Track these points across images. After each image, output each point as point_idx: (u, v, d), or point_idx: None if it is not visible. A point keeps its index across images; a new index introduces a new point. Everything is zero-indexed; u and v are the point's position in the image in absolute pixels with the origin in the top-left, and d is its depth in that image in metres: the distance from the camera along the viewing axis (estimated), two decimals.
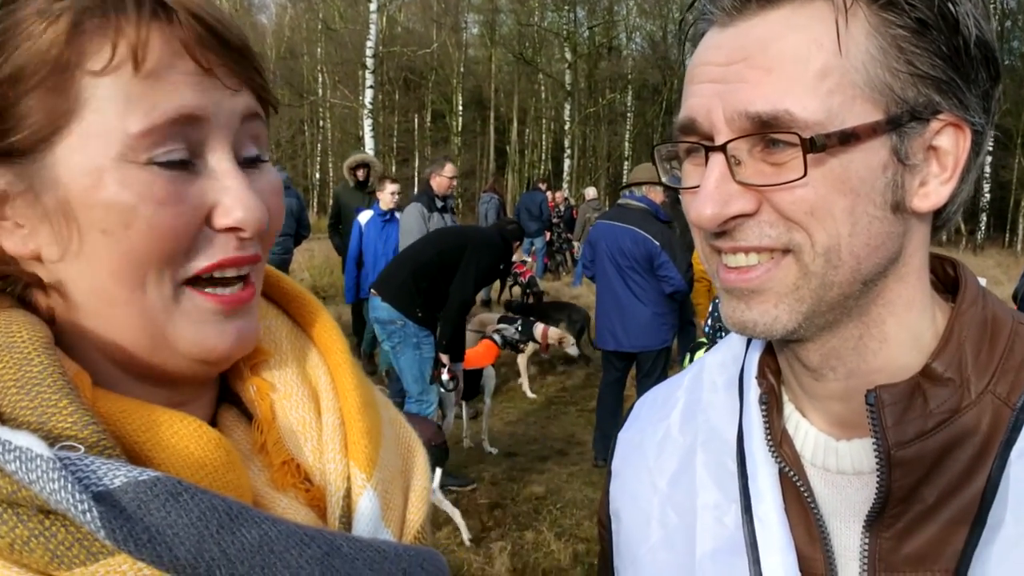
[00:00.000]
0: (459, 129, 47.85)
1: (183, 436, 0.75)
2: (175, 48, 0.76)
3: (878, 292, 0.89)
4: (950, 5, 0.81)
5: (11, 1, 0.75)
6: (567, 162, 41.95)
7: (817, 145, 0.79)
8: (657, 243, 6.77)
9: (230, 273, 0.81)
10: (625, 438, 1.22)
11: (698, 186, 0.87)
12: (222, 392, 0.92)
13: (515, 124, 50.25)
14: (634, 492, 1.15)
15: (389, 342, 6.59)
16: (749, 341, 1.10)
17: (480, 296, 13.57)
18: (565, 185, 40.05)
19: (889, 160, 0.83)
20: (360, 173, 10.80)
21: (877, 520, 0.89)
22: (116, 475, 0.64)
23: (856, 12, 0.82)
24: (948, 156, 0.86)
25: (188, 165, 0.77)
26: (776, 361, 1.02)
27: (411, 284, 6.38)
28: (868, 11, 0.82)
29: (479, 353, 7.79)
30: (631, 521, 1.14)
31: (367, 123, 27.40)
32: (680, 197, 0.94)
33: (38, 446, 0.62)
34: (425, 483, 0.96)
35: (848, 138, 0.80)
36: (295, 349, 0.94)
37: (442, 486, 6.68)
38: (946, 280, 1.00)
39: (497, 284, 11.79)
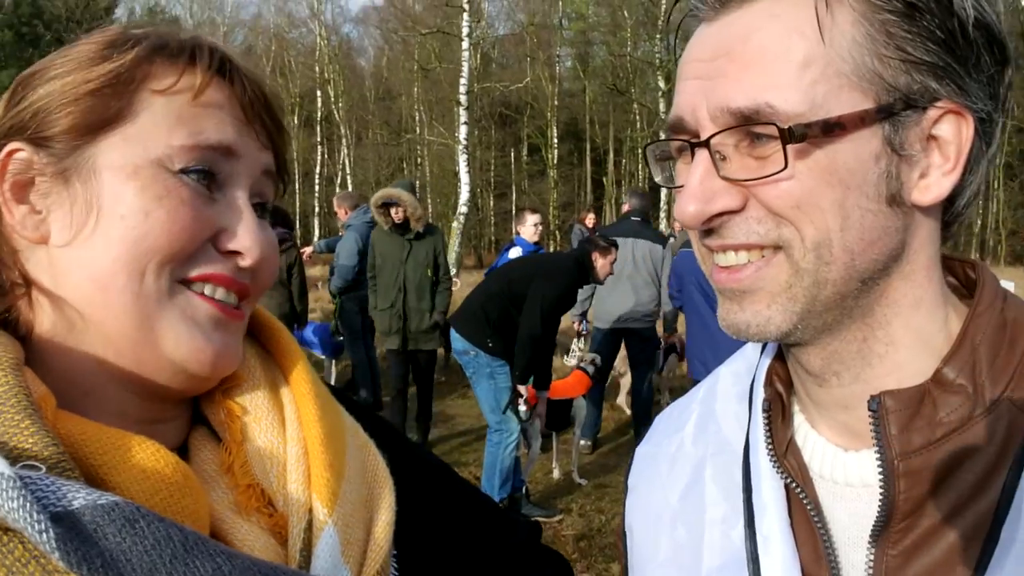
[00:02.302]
0: (555, 162, 48.14)
1: (141, 459, 0.76)
2: (228, 96, 0.88)
3: (881, 291, 0.85)
4: None
5: (95, 31, 0.89)
6: (663, 191, 41.63)
7: (796, 135, 0.77)
8: None
9: (220, 295, 0.87)
10: (642, 452, 1.20)
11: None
12: (193, 414, 0.94)
13: (611, 155, 50.28)
14: (646, 507, 1.12)
15: (467, 372, 6.63)
16: (762, 351, 1.07)
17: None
18: (663, 215, 39.81)
19: (882, 150, 0.80)
20: (396, 214, 8.22)
21: (883, 535, 0.84)
22: (75, 497, 0.65)
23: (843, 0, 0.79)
24: (950, 145, 0.82)
25: (211, 189, 0.86)
26: (786, 369, 0.99)
27: (481, 315, 6.41)
28: None
29: (570, 384, 7.75)
30: (643, 536, 1.12)
31: (463, 159, 27.81)
32: (675, 196, 0.92)
33: None
34: (390, 517, 0.94)
35: (832, 127, 0.78)
36: (267, 376, 0.96)
37: (528, 516, 6.62)
38: (967, 283, 0.95)
39: None
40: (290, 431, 0.91)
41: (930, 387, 0.83)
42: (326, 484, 0.88)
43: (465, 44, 28.19)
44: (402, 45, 47.50)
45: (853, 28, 0.79)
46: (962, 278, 0.95)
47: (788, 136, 0.77)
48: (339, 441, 0.93)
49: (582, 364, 8.12)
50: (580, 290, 7.16)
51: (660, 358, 9.88)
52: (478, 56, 38.16)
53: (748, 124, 0.80)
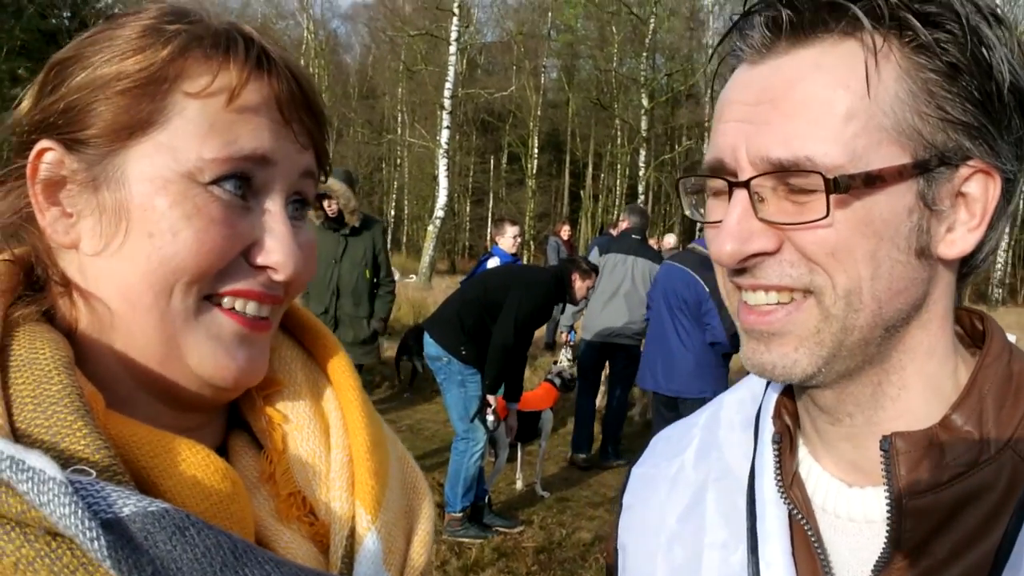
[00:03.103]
0: (534, 172, 48.25)
1: (191, 464, 0.75)
2: (266, 96, 0.83)
3: (900, 339, 0.87)
4: (984, 50, 0.80)
5: (122, 16, 0.83)
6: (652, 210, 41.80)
7: (840, 186, 0.78)
8: (707, 289, 6.67)
9: (251, 309, 0.84)
10: (638, 473, 1.21)
11: (721, 221, 0.86)
12: (233, 418, 0.94)
13: (590, 168, 50.48)
14: (643, 527, 1.13)
15: (437, 378, 6.60)
16: (768, 382, 1.08)
17: (543, 338, 13.53)
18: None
19: (915, 204, 0.82)
20: (329, 207, 7.48)
21: (884, 570, 0.86)
22: (126, 503, 0.64)
23: (887, 54, 0.81)
24: (977, 203, 0.84)
25: (244, 200, 0.82)
26: (793, 402, 1.00)
27: (456, 322, 6.38)
28: (899, 54, 0.81)
29: (538, 396, 7.77)
30: (637, 556, 1.13)
31: (443, 163, 27.82)
32: (705, 231, 0.94)
33: (51, 468, 0.62)
34: (429, 527, 0.96)
35: (873, 180, 0.79)
36: (309, 382, 0.96)
37: (489, 526, 6.63)
38: (973, 333, 0.97)
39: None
40: (334, 438, 0.91)
41: (938, 431, 0.85)
42: (370, 491, 0.88)
43: (452, 48, 28.24)
44: (389, 45, 47.45)
45: (896, 84, 0.80)
46: (968, 328, 0.97)
47: (832, 186, 0.78)
48: (383, 450, 0.94)
49: (550, 376, 8.14)
50: (570, 305, 7.18)
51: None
52: (464, 61, 38.21)
53: (788, 172, 0.81)
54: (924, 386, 0.89)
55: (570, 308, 7.92)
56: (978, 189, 0.83)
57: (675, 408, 7.02)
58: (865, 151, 0.79)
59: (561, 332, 11.00)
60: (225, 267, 0.81)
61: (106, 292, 0.80)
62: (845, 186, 0.78)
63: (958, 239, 0.84)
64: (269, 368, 0.93)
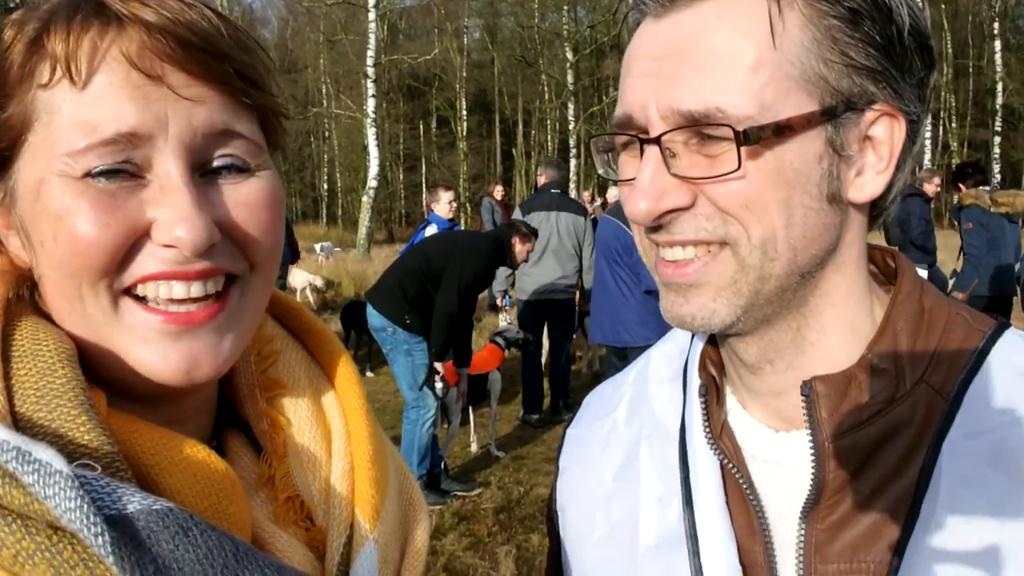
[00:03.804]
0: (464, 134, 47.99)
1: (192, 462, 0.74)
2: (116, 58, 0.72)
3: (816, 283, 0.88)
4: None
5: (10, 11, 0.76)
6: (573, 162, 41.94)
7: (751, 138, 0.79)
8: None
9: (178, 292, 0.75)
10: (573, 434, 1.21)
11: (634, 178, 0.86)
12: (230, 417, 0.90)
13: (520, 127, 50.34)
14: (580, 487, 1.14)
15: (384, 348, 6.59)
16: (693, 335, 1.09)
17: (487, 300, 13.55)
18: (572, 185, 40.04)
19: (825, 151, 0.83)
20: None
21: (812, 511, 0.88)
22: (130, 501, 0.64)
23: (790, 3, 0.81)
24: (883, 146, 0.86)
25: (131, 177, 0.74)
26: (718, 353, 1.02)
27: (399, 291, 6.35)
28: (802, 2, 0.81)
29: (483, 358, 7.79)
30: (576, 516, 1.13)
31: (371, 132, 27.50)
32: (619, 189, 0.94)
33: (57, 461, 0.61)
34: (424, 539, 0.95)
35: (782, 130, 0.80)
36: (312, 386, 0.93)
37: (447, 491, 6.67)
38: (886, 271, 0.99)
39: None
40: (337, 444, 0.89)
41: (856, 372, 0.87)
42: (370, 500, 0.86)
43: (372, 15, 27.82)
44: (307, 16, 46.53)
45: (801, 32, 0.81)
46: (881, 266, 0.99)
47: (743, 138, 0.79)
48: (384, 460, 0.92)
49: (495, 338, 8.17)
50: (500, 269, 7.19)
51: (578, 326, 10.04)
52: (385, 27, 37.62)
53: (699, 125, 0.81)
54: (842, 328, 0.90)
55: (502, 272, 7.91)
56: (884, 132, 0.85)
57: (625, 358, 7.11)
58: (774, 101, 0.79)
59: (496, 297, 11.01)
60: (127, 255, 0.74)
61: (50, 301, 0.78)
62: (755, 137, 0.79)
63: (867, 182, 0.86)
64: (274, 371, 0.92)
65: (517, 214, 8.80)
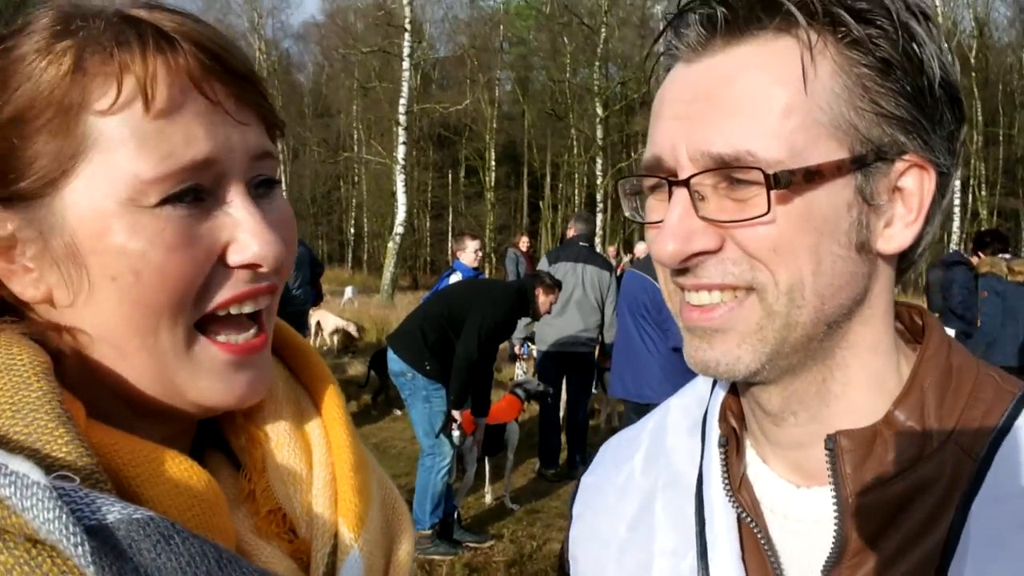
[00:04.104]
0: (492, 184, 48.38)
1: (175, 474, 0.74)
2: (183, 83, 0.73)
3: (842, 335, 0.87)
4: (915, 45, 0.81)
5: (9, 38, 0.74)
6: (599, 217, 42.11)
7: (781, 182, 0.79)
8: None
9: (247, 308, 0.80)
10: (588, 482, 1.20)
11: (662, 221, 0.86)
12: (210, 436, 0.91)
13: (548, 179, 50.67)
14: (593, 536, 1.12)
15: (402, 394, 6.57)
16: (714, 384, 1.08)
17: (508, 351, 13.52)
18: (597, 240, 40.13)
19: (854, 199, 0.82)
20: None
21: (834, 570, 0.86)
22: (110, 510, 0.63)
23: (822, 50, 0.81)
24: (913, 197, 0.85)
25: (199, 204, 0.75)
26: (739, 404, 1.00)
27: (419, 337, 6.36)
28: (834, 50, 0.82)
29: (501, 408, 7.75)
30: (588, 565, 1.12)
31: (400, 179, 27.80)
32: (646, 232, 0.94)
33: (34, 473, 0.61)
34: (409, 547, 0.94)
35: (812, 176, 0.80)
36: (290, 400, 0.93)
37: (459, 542, 6.59)
38: (913, 329, 0.98)
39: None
40: (317, 455, 0.89)
41: (882, 428, 0.86)
42: (354, 509, 0.86)
43: (406, 64, 28.30)
44: (342, 63, 47.37)
45: (832, 80, 0.81)
46: (907, 323, 0.98)
47: (773, 182, 0.78)
48: (366, 469, 0.92)
49: (514, 389, 8.13)
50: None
51: (597, 381, 9.99)
52: (418, 77, 38.20)
53: (729, 168, 0.81)
54: (868, 382, 0.89)
55: (521, 321, 7.91)
56: (914, 183, 0.84)
57: (644, 415, 7.00)
58: (804, 146, 0.80)
59: (514, 344, 10.98)
60: (204, 283, 0.76)
61: (91, 338, 0.76)
62: (786, 182, 0.78)
63: (896, 234, 0.85)
64: None
65: (543, 264, 8.82)
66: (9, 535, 0.61)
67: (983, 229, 11.95)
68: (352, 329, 17.09)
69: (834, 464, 0.85)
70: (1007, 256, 9.17)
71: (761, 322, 0.84)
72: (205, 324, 0.78)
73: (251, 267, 0.78)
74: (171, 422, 0.83)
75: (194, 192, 0.74)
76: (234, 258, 0.77)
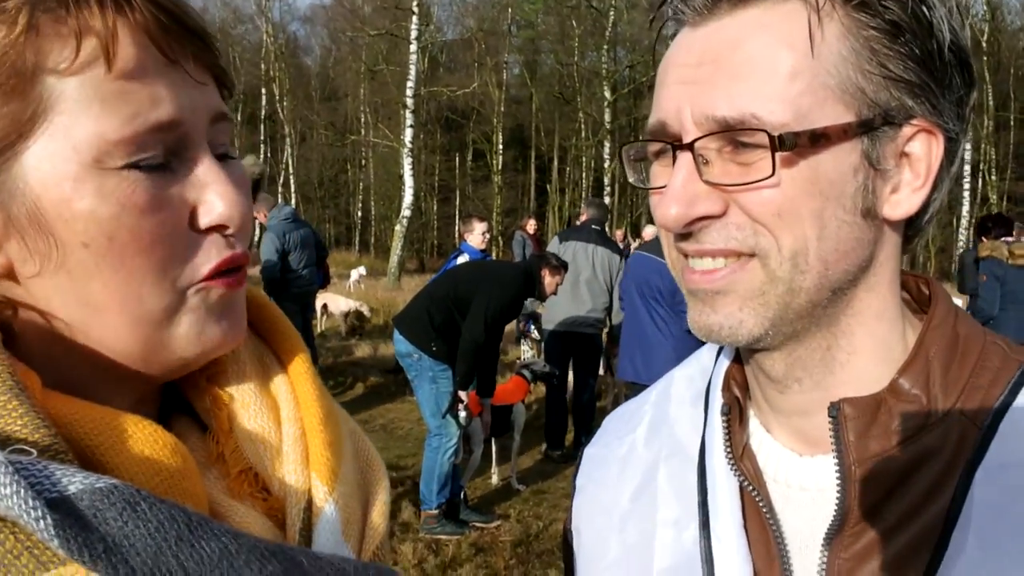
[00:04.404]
0: (500, 168, 48.26)
1: (139, 440, 0.72)
2: (143, 41, 0.71)
3: (847, 301, 0.87)
4: (924, 8, 0.80)
5: None
6: (607, 200, 42.01)
7: (786, 144, 0.78)
8: None
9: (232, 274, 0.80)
10: (591, 453, 1.20)
11: (665, 186, 0.85)
12: (175, 401, 0.89)
13: (555, 163, 50.56)
14: (596, 507, 1.12)
15: (409, 375, 6.59)
16: (718, 355, 1.08)
17: (514, 332, 13.54)
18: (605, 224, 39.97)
19: (860, 164, 0.81)
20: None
21: (836, 539, 0.86)
22: (71, 481, 0.61)
23: (830, 12, 0.80)
24: (921, 163, 0.84)
25: (166, 166, 0.73)
26: (743, 373, 1.00)
27: (426, 318, 6.35)
28: (842, 12, 0.81)
29: (508, 390, 7.76)
30: (591, 537, 1.11)
31: (407, 162, 27.75)
32: (649, 198, 0.93)
33: None
34: (385, 497, 0.93)
35: (818, 138, 0.79)
36: (253, 358, 0.91)
37: (466, 522, 6.63)
38: (919, 298, 0.98)
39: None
40: (285, 412, 0.88)
41: (886, 396, 0.85)
42: (326, 463, 0.86)
43: (413, 47, 28.18)
44: (349, 46, 47.31)
45: (839, 42, 0.80)
46: (914, 292, 0.98)
47: (777, 144, 0.78)
48: (335, 422, 0.91)
49: (521, 370, 8.14)
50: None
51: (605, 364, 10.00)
52: (426, 59, 38.11)
53: (733, 131, 0.80)
54: (873, 350, 0.89)
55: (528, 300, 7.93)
56: (922, 148, 0.84)
57: None
58: (810, 109, 0.79)
59: (520, 322, 10.99)
60: (182, 248, 0.74)
61: (64, 304, 0.74)
62: (791, 144, 0.78)
63: (903, 199, 0.84)
64: None
65: (554, 243, 8.83)
66: None
67: (984, 215, 11.89)
68: (365, 309, 17.13)
69: (837, 432, 0.85)
70: (1009, 240, 9.13)
71: (763, 286, 0.83)
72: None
73: (220, 228, 0.76)
74: (137, 387, 0.81)
75: (160, 158, 0.72)
76: (203, 220, 0.75)
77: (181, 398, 0.89)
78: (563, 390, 9.04)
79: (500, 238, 40.84)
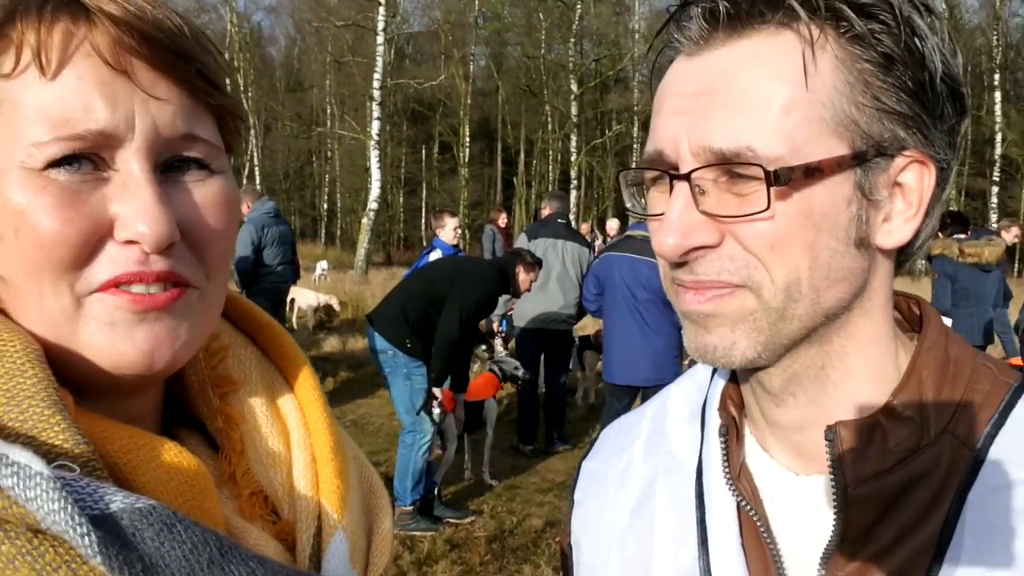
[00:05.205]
0: (466, 160, 48.09)
1: (165, 460, 0.73)
2: (85, 50, 0.72)
3: (841, 324, 0.88)
4: (916, 40, 0.81)
5: None
6: (573, 193, 42.04)
7: (781, 179, 0.79)
8: None
9: (136, 288, 0.74)
10: (588, 467, 1.21)
11: (661, 214, 0.86)
12: (184, 418, 0.90)
13: (522, 155, 50.49)
14: (595, 522, 1.13)
15: (383, 371, 6.57)
16: (714, 372, 1.09)
17: (485, 328, 13.54)
18: (571, 217, 40.01)
19: (853, 195, 0.82)
20: None
21: (833, 558, 0.88)
22: (112, 499, 0.63)
23: (823, 45, 0.81)
24: (913, 193, 0.85)
25: (93, 171, 0.73)
26: (739, 393, 1.02)
27: (400, 315, 6.35)
28: (835, 45, 0.81)
29: (479, 385, 7.76)
30: (591, 551, 1.13)
31: (374, 154, 27.56)
32: (648, 225, 0.94)
33: (37, 463, 0.60)
34: (389, 525, 0.95)
35: (812, 172, 0.80)
36: (265, 381, 0.92)
37: (440, 518, 6.65)
38: (910, 318, 0.99)
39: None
40: (295, 438, 0.89)
41: (881, 418, 0.87)
42: (336, 490, 0.87)
43: (380, 38, 27.96)
44: (315, 36, 46.74)
45: (833, 75, 0.81)
46: (905, 312, 1.00)
47: (773, 179, 0.79)
48: (343, 450, 0.92)
49: (491, 366, 8.16)
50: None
51: (575, 358, 10.04)
52: (392, 51, 37.78)
53: (730, 164, 0.82)
54: (867, 372, 0.90)
55: (501, 299, 7.96)
56: (914, 179, 0.85)
57: (633, 393, 7.10)
58: (805, 143, 0.80)
59: (492, 322, 11.00)
60: (90, 255, 0.73)
61: (8, 298, 0.75)
62: (785, 178, 0.79)
63: (895, 228, 0.86)
64: (224, 367, 0.91)
65: (522, 240, 8.83)
66: (10, 525, 0.61)
67: (948, 210, 11.98)
68: (335, 303, 17.01)
69: (833, 454, 0.86)
70: (961, 237, 9.22)
71: (755, 312, 0.85)
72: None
73: (134, 244, 0.74)
74: (128, 399, 0.81)
75: (86, 160, 0.72)
76: (118, 233, 0.73)
77: (188, 417, 0.90)
78: (535, 386, 9.08)
79: (467, 231, 40.74)
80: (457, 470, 7.87)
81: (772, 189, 0.79)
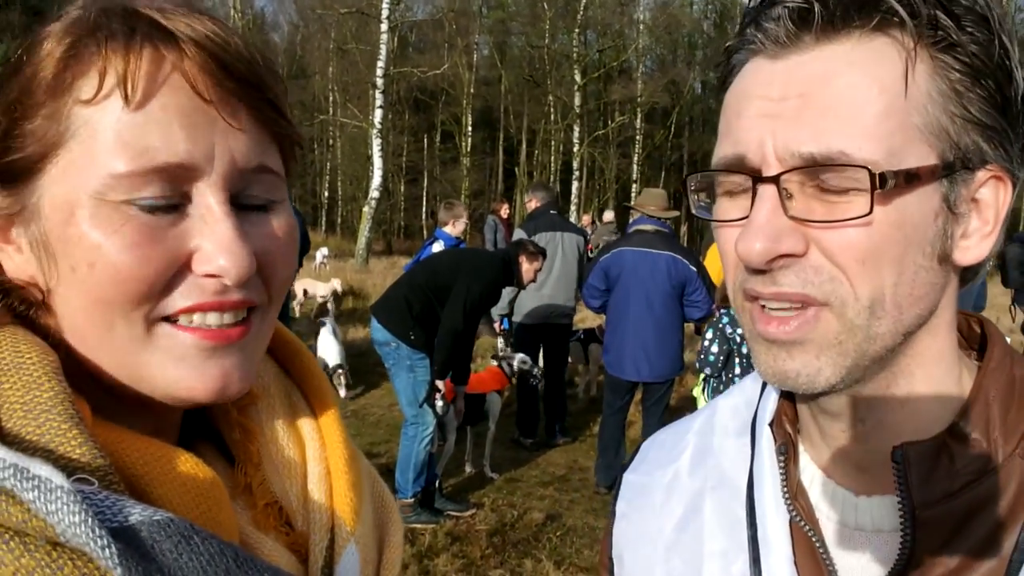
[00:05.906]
0: (468, 150, 48.17)
1: (181, 472, 0.74)
2: (173, 80, 0.72)
3: (910, 344, 0.86)
4: (1005, 54, 0.80)
5: (53, 20, 0.75)
6: (575, 184, 42.08)
7: (887, 183, 0.76)
8: (693, 268, 6.74)
9: (212, 320, 0.76)
10: (631, 480, 1.19)
11: (740, 219, 0.84)
12: (200, 428, 0.91)
13: (524, 145, 50.49)
14: (639, 536, 1.12)
15: (386, 363, 6.55)
16: (764, 386, 1.06)
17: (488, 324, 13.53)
18: (572, 208, 40.11)
19: (940, 207, 0.81)
20: None
21: None
22: (131, 512, 0.64)
23: (919, 53, 0.79)
24: (990, 209, 0.84)
25: (175, 208, 0.73)
26: (794, 409, 0.99)
27: (404, 307, 6.32)
28: (928, 53, 0.80)
29: (483, 378, 7.77)
30: (634, 566, 1.11)
31: (376, 142, 27.58)
32: (715, 231, 0.91)
33: (57, 477, 0.61)
34: (399, 539, 0.97)
35: (912, 178, 0.78)
36: (282, 395, 0.93)
37: (441, 511, 6.63)
38: (970, 336, 0.97)
39: None
40: (311, 451, 0.90)
41: (948, 440, 0.85)
42: (350, 503, 0.88)
43: (383, 26, 27.97)
44: (318, 23, 46.72)
45: (928, 83, 0.79)
46: (965, 331, 0.97)
47: (878, 183, 0.76)
48: (358, 463, 0.94)
49: (500, 362, 8.14)
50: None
51: (580, 351, 10.03)
52: (396, 39, 37.74)
53: (822, 167, 0.79)
54: (932, 392, 0.88)
55: (505, 294, 7.94)
56: (991, 194, 0.83)
57: (635, 388, 7.10)
58: (901, 148, 0.78)
59: (494, 321, 10.98)
60: (166, 286, 0.74)
61: (67, 320, 0.76)
62: (890, 183, 0.77)
63: (972, 245, 0.84)
64: None
65: (519, 235, 8.81)
66: (30, 538, 0.61)
67: None
68: (338, 284, 17.03)
69: (901, 475, 0.84)
70: None
71: (840, 335, 0.82)
72: (169, 321, 0.76)
73: (216, 277, 0.75)
74: (160, 415, 0.81)
75: (165, 199, 0.72)
76: (198, 267, 0.74)
77: (206, 426, 0.91)
78: (537, 380, 9.07)
79: (468, 221, 40.80)
80: (457, 463, 7.88)
81: (876, 192, 0.76)
